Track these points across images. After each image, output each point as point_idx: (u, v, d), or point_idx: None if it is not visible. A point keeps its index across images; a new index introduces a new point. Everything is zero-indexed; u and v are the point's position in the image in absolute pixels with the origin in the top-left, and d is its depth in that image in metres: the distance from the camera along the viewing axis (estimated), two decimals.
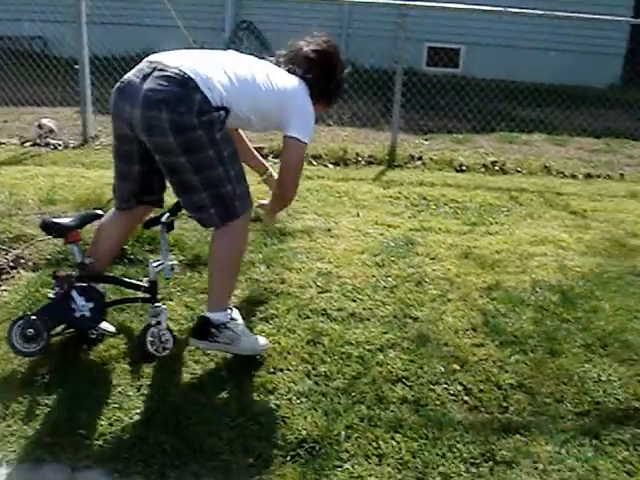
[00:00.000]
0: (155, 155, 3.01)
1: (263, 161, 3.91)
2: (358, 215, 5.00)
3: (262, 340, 3.31)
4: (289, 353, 3.33)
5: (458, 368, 3.31)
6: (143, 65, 3.05)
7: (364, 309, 3.75)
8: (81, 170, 6.08)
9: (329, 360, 3.29)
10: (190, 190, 3.05)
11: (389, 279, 4.10)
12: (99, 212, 3.45)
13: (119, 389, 3.04)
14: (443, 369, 3.29)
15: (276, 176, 3.53)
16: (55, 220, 3.25)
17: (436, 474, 2.69)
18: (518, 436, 2.91)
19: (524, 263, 4.47)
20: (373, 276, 4.13)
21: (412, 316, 3.71)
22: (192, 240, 4.36)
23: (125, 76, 3.07)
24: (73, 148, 7.05)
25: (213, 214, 3.08)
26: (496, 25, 11.25)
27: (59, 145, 7.12)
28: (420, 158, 7.18)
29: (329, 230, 4.77)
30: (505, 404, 3.11)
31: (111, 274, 3.56)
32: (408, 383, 3.18)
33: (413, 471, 2.70)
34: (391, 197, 5.67)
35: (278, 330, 3.46)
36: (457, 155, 7.41)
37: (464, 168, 7.00)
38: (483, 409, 3.08)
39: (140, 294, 3.34)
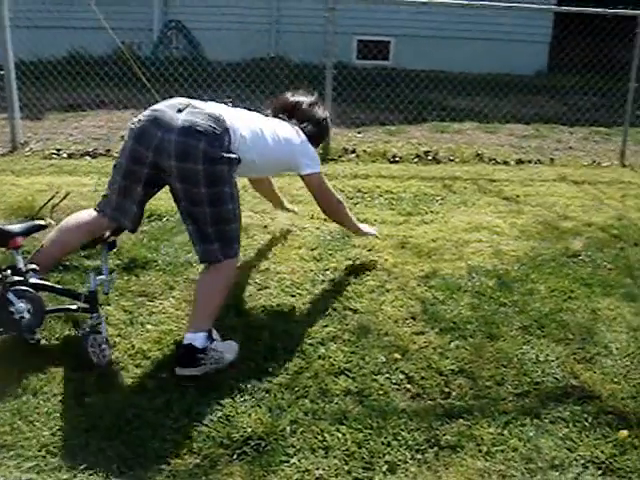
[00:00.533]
0: (176, 182, 3.27)
1: (280, 195, 4.69)
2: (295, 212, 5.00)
3: (233, 343, 3.33)
4: None
5: (399, 357, 3.34)
6: (174, 102, 3.41)
7: (303, 303, 3.76)
8: (11, 178, 5.95)
9: (270, 356, 3.29)
10: (200, 221, 3.30)
11: (327, 272, 4.12)
12: (43, 223, 3.50)
13: (59, 398, 2.99)
14: (384, 359, 3.32)
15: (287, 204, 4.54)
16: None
17: (382, 463, 2.71)
18: (461, 420, 2.95)
19: (460, 250, 4.53)
20: (311, 270, 4.14)
21: (351, 308, 3.73)
22: (128, 243, 4.30)
23: (156, 106, 3.38)
24: (2, 155, 6.90)
25: (216, 249, 3.30)
26: (424, 16, 11.40)
27: None
28: (354, 151, 7.22)
29: (265, 227, 4.76)
30: (447, 390, 3.16)
31: (48, 282, 3.49)
32: (351, 375, 3.20)
33: (360, 461, 2.71)
34: None
35: (218, 329, 3.44)
36: (390, 146, 7.47)
37: (397, 159, 7.06)
38: (425, 396, 3.12)
39: (79, 303, 3.28)
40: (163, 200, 5.10)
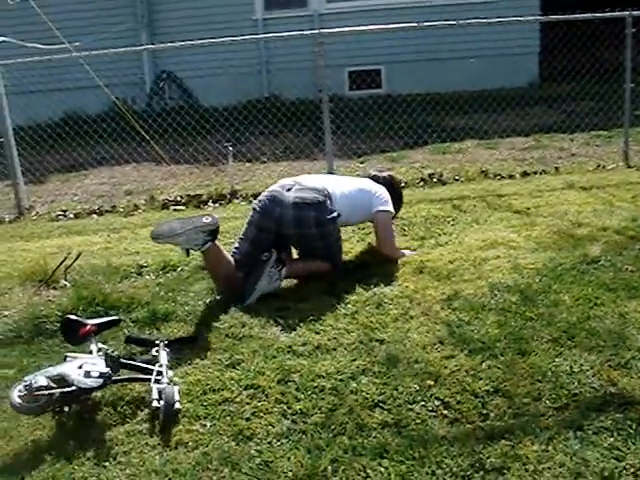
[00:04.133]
0: (296, 243, 4.57)
1: None
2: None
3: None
4: (261, 395, 3.27)
5: (432, 383, 3.28)
6: (284, 182, 4.53)
7: (329, 339, 3.71)
8: (21, 243, 5.97)
9: (303, 396, 3.23)
10: (313, 255, 4.51)
11: (349, 305, 4.08)
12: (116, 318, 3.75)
13: (94, 461, 2.93)
14: (418, 387, 3.26)
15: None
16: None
17: None
18: (503, 441, 2.89)
19: (478, 269, 4.49)
20: (332, 305, 4.10)
21: (378, 339, 3.69)
22: (146, 297, 4.29)
23: (271, 188, 4.51)
24: (9, 222, 6.92)
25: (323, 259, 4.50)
26: (412, 41, 11.46)
27: None
28: None
29: None
30: (485, 411, 3.09)
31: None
32: (386, 406, 3.15)
33: None
34: None
35: (247, 375, 3.40)
36: (395, 173, 7.43)
37: (403, 184, 7.02)
38: (464, 420, 3.05)
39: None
40: (175, 251, 5.12)
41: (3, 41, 7.59)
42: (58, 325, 3.58)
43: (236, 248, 4.46)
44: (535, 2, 12.00)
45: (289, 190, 4.41)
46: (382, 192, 4.74)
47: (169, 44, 8.35)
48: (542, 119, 10.05)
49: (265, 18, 12.28)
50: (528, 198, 6.15)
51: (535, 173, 7.28)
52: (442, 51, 11.91)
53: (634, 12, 7.25)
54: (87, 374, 3.07)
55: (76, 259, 4.87)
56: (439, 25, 8.08)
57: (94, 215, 6.87)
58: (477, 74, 11.56)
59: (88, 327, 3.46)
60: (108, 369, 3.10)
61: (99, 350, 3.34)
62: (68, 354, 3.33)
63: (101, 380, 3.08)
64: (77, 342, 3.53)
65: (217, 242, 4.24)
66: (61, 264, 4.81)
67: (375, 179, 4.93)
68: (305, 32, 7.96)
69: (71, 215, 6.90)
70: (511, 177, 7.19)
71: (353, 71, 12.49)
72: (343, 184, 4.65)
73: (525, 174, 7.25)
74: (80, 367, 3.11)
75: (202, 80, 11.95)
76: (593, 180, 6.75)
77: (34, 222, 6.78)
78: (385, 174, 5.07)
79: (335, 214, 4.39)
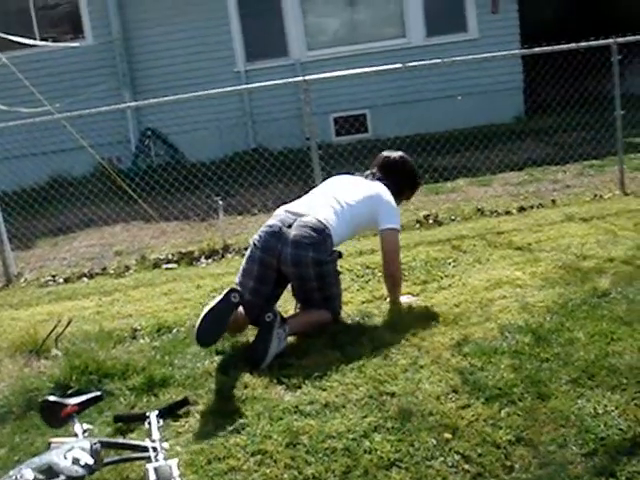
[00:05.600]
0: (295, 280, 4.31)
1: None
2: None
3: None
4: (270, 461, 3.06)
5: (450, 436, 3.08)
6: (284, 216, 4.35)
7: (336, 396, 3.51)
8: (10, 312, 5.78)
9: (314, 460, 3.02)
10: (311, 299, 4.34)
11: (354, 358, 3.88)
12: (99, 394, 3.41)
13: None
14: (435, 441, 3.06)
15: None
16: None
17: None
18: None
19: (486, 311, 4.33)
20: (337, 359, 3.90)
21: (388, 392, 3.48)
22: (142, 362, 4.09)
23: (271, 222, 4.33)
24: None
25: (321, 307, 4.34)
26: (396, 83, 11.48)
27: None
28: None
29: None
30: (509, 463, 2.90)
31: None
32: (403, 465, 2.94)
33: None
34: None
35: (253, 440, 3.20)
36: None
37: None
38: (487, 474, 2.86)
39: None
40: (170, 311, 4.95)
41: None
42: (40, 406, 3.33)
43: (240, 284, 4.32)
44: (515, 37, 12.08)
45: (290, 227, 4.25)
46: (389, 206, 4.55)
47: (152, 100, 8.25)
48: (532, 153, 9.98)
49: (247, 70, 12.27)
50: (528, 233, 6.02)
51: (532, 207, 7.16)
52: (426, 91, 11.94)
53: (618, 39, 7.19)
54: (76, 461, 2.82)
55: (67, 326, 4.68)
56: (424, 65, 8.02)
57: (84, 278, 6.68)
58: (463, 112, 11.53)
59: (69, 408, 3.20)
60: (92, 459, 2.84)
61: (85, 431, 3.11)
62: (53, 440, 3.07)
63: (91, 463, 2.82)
64: (59, 425, 3.30)
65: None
66: (51, 332, 4.62)
67: (387, 164, 4.80)
68: (288, 80, 7.89)
69: (61, 280, 6.71)
70: (508, 213, 7.06)
71: (339, 117, 12.44)
72: (347, 201, 4.46)
73: (522, 209, 7.13)
74: (68, 453, 2.86)
75: (187, 135, 11.88)
76: (592, 210, 6.62)
77: (23, 289, 6.58)
78: (396, 155, 4.88)
79: (336, 255, 4.31)
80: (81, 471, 2.71)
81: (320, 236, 4.21)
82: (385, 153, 4.91)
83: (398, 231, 4.56)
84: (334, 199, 4.47)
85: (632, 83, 10.63)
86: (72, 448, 2.79)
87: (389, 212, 4.53)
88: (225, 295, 4.01)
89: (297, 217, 4.31)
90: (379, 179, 4.70)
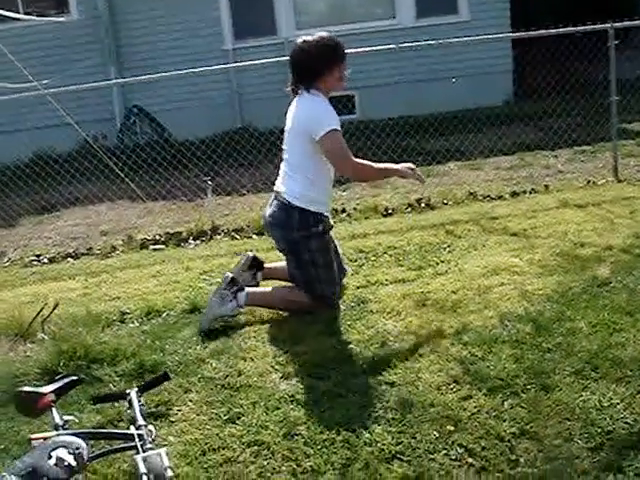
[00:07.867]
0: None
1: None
2: None
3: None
4: (267, 453, 2.97)
5: (453, 428, 2.99)
6: (275, 188, 4.31)
7: (334, 385, 3.41)
8: None
9: (312, 452, 2.93)
10: (294, 278, 4.30)
11: (350, 346, 3.79)
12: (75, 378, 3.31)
13: None
14: (437, 434, 2.97)
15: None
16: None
17: None
18: None
19: (484, 298, 4.24)
20: (332, 346, 3.81)
21: (387, 382, 3.39)
22: (131, 347, 3.97)
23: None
24: None
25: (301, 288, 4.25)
26: (385, 64, 11.31)
27: None
28: (344, 210, 6.96)
29: None
30: (514, 457, 2.81)
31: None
32: (405, 458, 2.85)
33: None
34: None
35: (248, 430, 3.10)
36: (380, 199, 7.22)
37: (391, 212, 6.79)
38: (492, 468, 2.76)
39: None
40: (159, 294, 4.83)
41: None
42: (14, 398, 3.19)
43: None
44: (506, 21, 11.92)
45: (271, 206, 4.30)
46: (313, 116, 4.05)
47: (138, 77, 8.06)
48: (522, 137, 9.86)
49: (235, 48, 12.06)
50: (523, 219, 5.92)
51: (525, 192, 7.05)
52: (415, 73, 11.77)
53: (615, 24, 7.08)
54: (60, 461, 2.65)
55: (54, 309, 4.54)
56: (418, 46, 7.90)
57: (70, 258, 6.52)
58: (452, 95, 11.37)
59: (46, 398, 3.06)
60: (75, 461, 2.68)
61: (65, 423, 2.96)
62: (33, 436, 2.91)
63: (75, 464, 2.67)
64: (37, 414, 3.17)
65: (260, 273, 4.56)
66: (38, 315, 4.48)
67: (292, 65, 4.15)
68: (278, 59, 7.72)
69: (45, 260, 6.55)
70: (501, 198, 6.95)
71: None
72: (289, 154, 4.25)
73: (515, 194, 7.02)
74: (52, 452, 2.69)
75: (173, 114, 11.67)
76: (587, 197, 6.53)
77: (6, 269, 6.42)
78: (295, 46, 4.15)
79: (307, 234, 4.10)
80: (66, 472, 2.56)
81: (285, 213, 4.15)
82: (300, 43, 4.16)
83: (335, 130, 4.00)
84: (284, 161, 4.33)
85: (620, 68, 10.56)
86: (56, 447, 2.63)
87: (317, 120, 4.02)
88: None
89: (275, 195, 4.31)
90: (295, 88, 4.18)
